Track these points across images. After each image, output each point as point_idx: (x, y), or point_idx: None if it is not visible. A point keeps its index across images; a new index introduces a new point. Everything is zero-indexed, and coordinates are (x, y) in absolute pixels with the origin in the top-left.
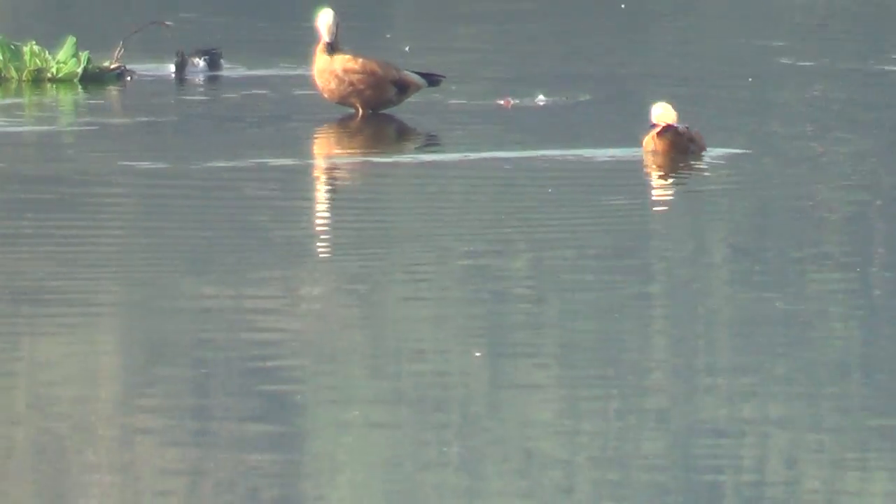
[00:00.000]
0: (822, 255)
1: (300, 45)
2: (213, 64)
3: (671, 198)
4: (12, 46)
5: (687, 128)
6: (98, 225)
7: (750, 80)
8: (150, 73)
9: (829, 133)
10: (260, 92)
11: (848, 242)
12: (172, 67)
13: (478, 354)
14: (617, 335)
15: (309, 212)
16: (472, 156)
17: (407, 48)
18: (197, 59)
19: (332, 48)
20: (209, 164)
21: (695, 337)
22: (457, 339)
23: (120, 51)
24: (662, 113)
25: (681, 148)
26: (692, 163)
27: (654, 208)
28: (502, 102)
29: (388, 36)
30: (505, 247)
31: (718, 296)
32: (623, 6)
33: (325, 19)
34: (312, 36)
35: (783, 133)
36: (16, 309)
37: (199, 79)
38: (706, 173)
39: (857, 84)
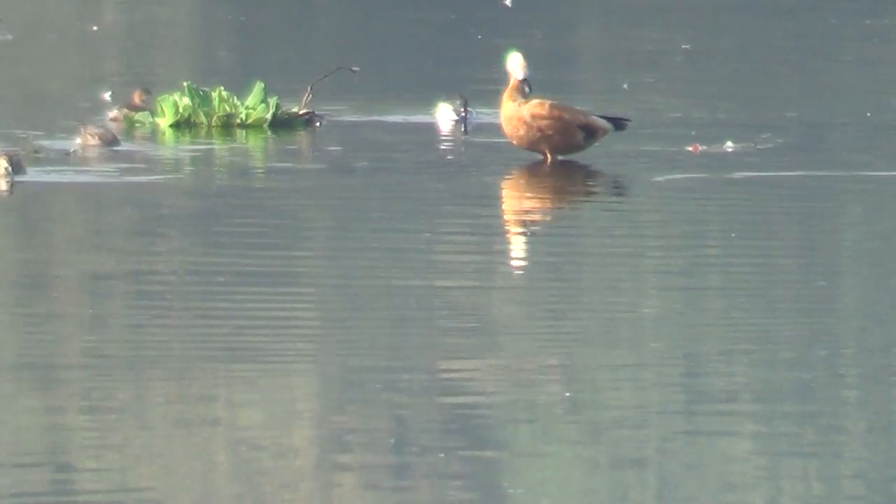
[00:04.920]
0: None
1: (490, 88)
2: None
3: None
4: (201, 92)
5: None
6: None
7: None
8: (338, 118)
9: None
10: (445, 137)
11: None
12: (449, 113)
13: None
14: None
15: (502, 260)
16: (662, 200)
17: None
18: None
19: (525, 87)
20: (404, 211)
21: None
22: (659, 396)
23: (308, 96)
24: None
25: None
26: None
27: None
28: (690, 148)
29: (572, 79)
30: (697, 298)
31: None
32: (811, 48)
33: (515, 62)
34: (502, 81)
35: None
36: (214, 354)
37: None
38: None
39: None
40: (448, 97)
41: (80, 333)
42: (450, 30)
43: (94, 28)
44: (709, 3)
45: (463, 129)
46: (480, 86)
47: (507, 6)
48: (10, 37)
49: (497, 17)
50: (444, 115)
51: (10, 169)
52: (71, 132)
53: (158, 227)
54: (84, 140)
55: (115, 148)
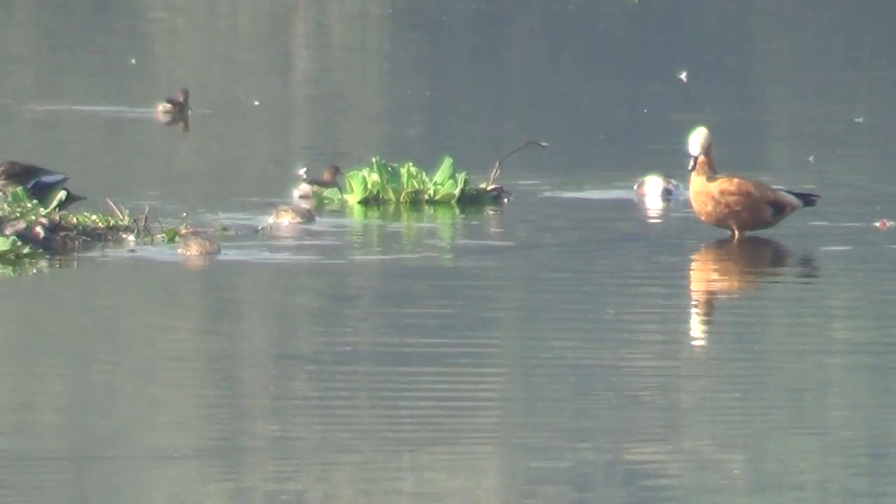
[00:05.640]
0: None
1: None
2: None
3: None
4: (390, 168)
5: None
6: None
7: None
8: (526, 194)
9: None
10: (633, 213)
11: None
12: (657, 187)
13: None
14: None
15: (688, 338)
16: (848, 279)
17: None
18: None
19: (706, 167)
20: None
21: None
22: (844, 478)
23: (496, 171)
24: None
25: None
26: None
27: None
28: (878, 224)
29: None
30: (886, 378)
31: None
32: None
33: (697, 139)
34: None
35: None
36: (401, 436)
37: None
38: None
39: None
40: (654, 171)
41: (268, 415)
42: (626, 103)
43: (256, 103)
44: (875, 77)
45: (665, 203)
46: (658, 158)
47: (683, 80)
48: (190, 111)
49: (670, 91)
50: (652, 189)
51: (209, 247)
52: (262, 208)
53: (347, 306)
54: (280, 217)
55: (311, 225)
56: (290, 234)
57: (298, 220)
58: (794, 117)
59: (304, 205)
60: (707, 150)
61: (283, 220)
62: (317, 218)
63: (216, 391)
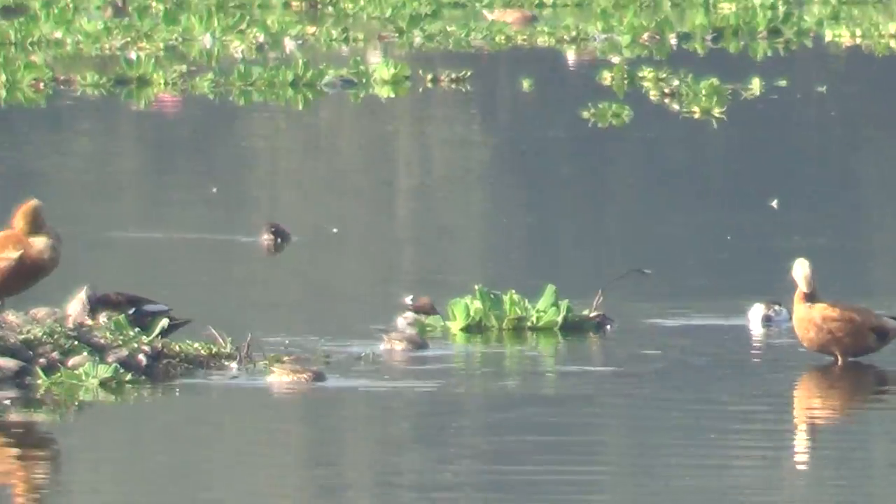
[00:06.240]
0: None
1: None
2: None
3: None
4: (492, 296)
5: None
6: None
7: None
8: (630, 320)
9: None
10: (739, 339)
11: None
12: (761, 314)
13: None
14: None
15: (790, 464)
16: None
17: None
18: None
19: (810, 298)
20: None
21: None
22: None
23: (599, 299)
24: None
25: None
26: None
27: None
28: None
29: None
30: None
31: None
32: None
33: (800, 270)
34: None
35: None
36: None
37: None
38: None
39: None
40: (757, 297)
41: None
42: (723, 230)
43: (335, 230)
44: None
45: (766, 329)
46: (760, 285)
47: (774, 208)
48: (292, 238)
49: (763, 220)
50: (755, 316)
51: (309, 375)
52: (364, 336)
53: (450, 434)
54: (391, 344)
55: (423, 352)
56: (392, 361)
57: (409, 347)
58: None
59: (410, 332)
60: (809, 280)
61: (396, 347)
62: (428, 345)
63: None
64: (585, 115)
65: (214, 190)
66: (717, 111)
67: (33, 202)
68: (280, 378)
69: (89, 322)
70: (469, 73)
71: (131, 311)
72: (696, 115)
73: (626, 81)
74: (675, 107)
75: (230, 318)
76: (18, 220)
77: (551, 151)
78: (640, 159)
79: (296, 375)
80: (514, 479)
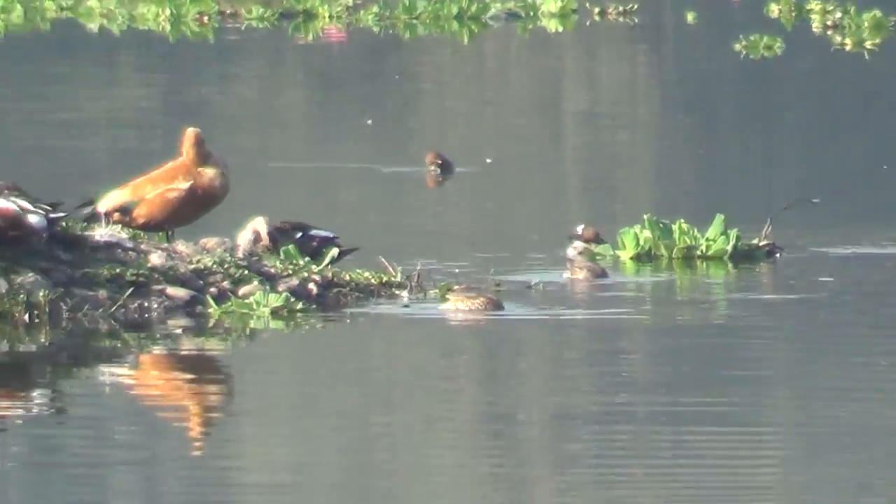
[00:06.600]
0: None
1: None
2: None
3: None
4: (661, 225)
5: None
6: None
7: None
8: (799, 249)
9: None
10: None
11: None
12: None
13: None
14: None
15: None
16: None
17: None
18: None
19: None
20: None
21: None
22: None
23: (768, 227)
24: None
25: None
26: None
27: None
28: None
29: None
30: None
31: None
32: None
33: None
34: None
35: None
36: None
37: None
38: None
39: None
40: None
41: (544, 477)
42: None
43: (488, 160)
44: None
45: None
46: None
47: None
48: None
49: None
50: None
51: (484, 303)
52: (533, 265)
53: (623, 363)
54: (575, 273)
55: (604, 281)
56: (563, 291)
57: (591, 276)
58: None
59: (581, 261)
60: None
61: (578, 276)
62: (609, 274)
63: (493, 454)
64: (737, 47)
65: (369, 122)
66: (869, 44)
67: (194, 129)
68: (455, 305)
69: (260, 252)
70: (636, 6)
71: (298, 235)
72: (848, 48)
73: (793, 14)
74: (837, 38)
75: (398, 247)
76: (188, 150)
77: (710, 83)
78: (793, 91)
79: (472, 303)
80: (685, 411)
